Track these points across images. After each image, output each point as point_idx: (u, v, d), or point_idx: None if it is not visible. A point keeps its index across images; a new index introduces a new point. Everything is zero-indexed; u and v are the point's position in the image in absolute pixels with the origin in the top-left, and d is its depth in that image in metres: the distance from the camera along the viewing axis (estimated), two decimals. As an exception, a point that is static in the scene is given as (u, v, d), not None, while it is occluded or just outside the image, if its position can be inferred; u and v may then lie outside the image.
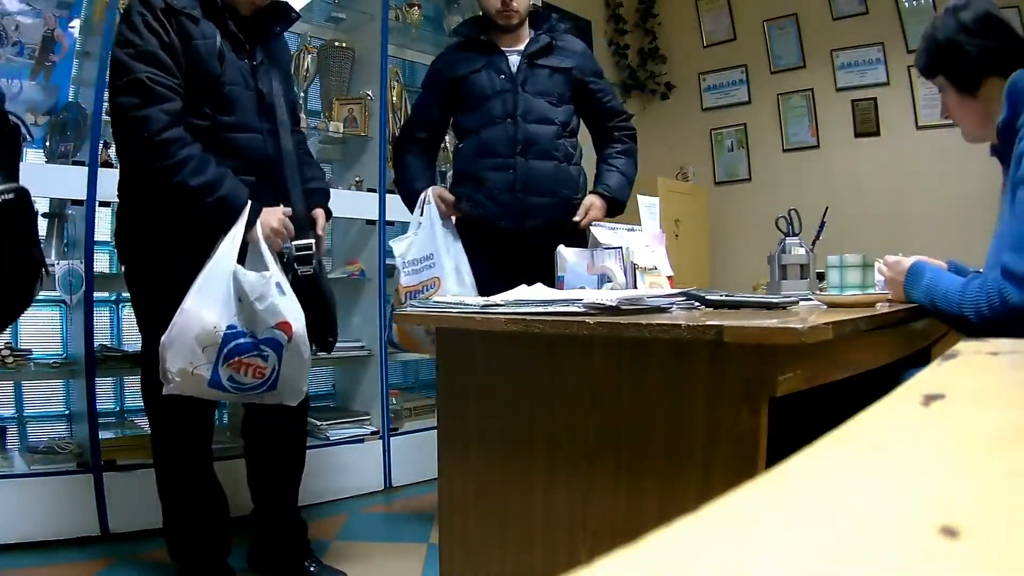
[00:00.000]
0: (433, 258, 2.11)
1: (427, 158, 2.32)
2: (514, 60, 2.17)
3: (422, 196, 2.18)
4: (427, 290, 2.06)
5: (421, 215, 2.16)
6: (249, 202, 1.67)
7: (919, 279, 1.40)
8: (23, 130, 1.60)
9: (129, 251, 1.78)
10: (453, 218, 2.18)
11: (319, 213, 1.88)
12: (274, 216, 1.71)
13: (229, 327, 1.60)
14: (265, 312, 1.61)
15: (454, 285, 2.04)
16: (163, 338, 1.58)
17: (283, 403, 1.72)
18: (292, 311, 1.65)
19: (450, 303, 1.29)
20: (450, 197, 2.17)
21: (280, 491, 1.92)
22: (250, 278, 1.63)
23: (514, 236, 2.12)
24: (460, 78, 2.19)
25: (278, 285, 1.65)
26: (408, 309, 1.37)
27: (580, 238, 2.07)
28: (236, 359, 1.60)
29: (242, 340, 1.60)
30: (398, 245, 2.18)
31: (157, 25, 1.61)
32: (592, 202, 2.16)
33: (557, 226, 2.09)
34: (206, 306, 1.59)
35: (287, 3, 1.88)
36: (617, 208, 2.21)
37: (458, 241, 2.15)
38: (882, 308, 1.35)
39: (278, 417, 1.87)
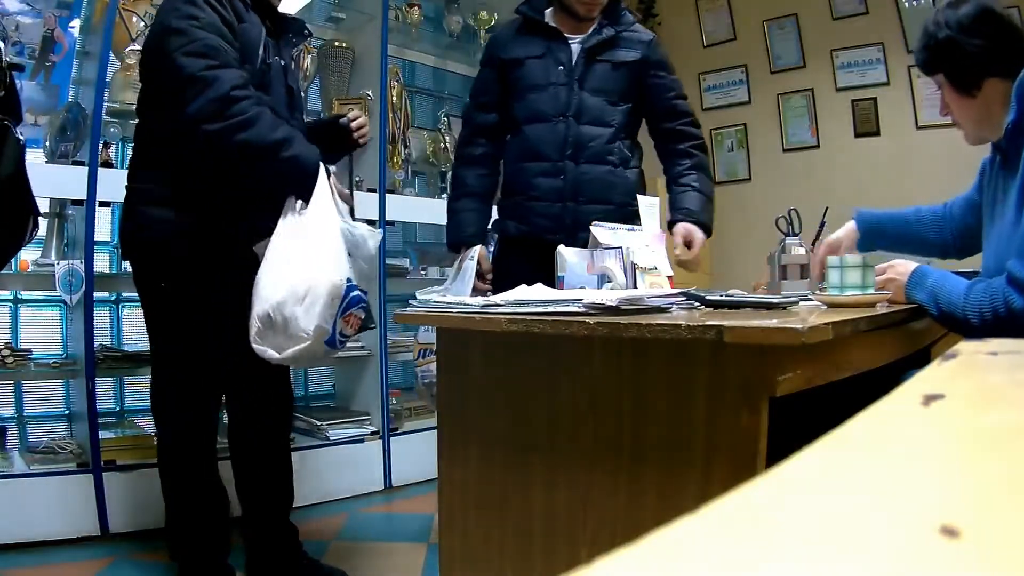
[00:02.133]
0: None
1: (486, 182, 2.07)
2: (576, 50, 1.95)
3: (465, 252, 1.96)
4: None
5: (459, 269, 1.96)
6: (321, 164, 1.66)
7: (924, 280, 1.40)
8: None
9: (137, 247, 1.76)
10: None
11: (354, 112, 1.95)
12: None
13: (348, 280, 1.62)
14: (364, 265, 1.70)
15: None
16: (280, 299, 1.56)
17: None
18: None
19: (450, 303, 1.29)
20: (488, 266, 1.99)
21: (267, 500, 1.91)
22: (362, 231, 1.70)
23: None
24: (515, 61, 1.98)
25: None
26: (408, 309, 1.37)
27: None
28: (349, 312, 1.62)
29: (355, 293, 1.63)
30: (422, 296, 2.01)
31: (216, 2, 1.63)
32: (690, 232, 1.87)
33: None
34: (331, 263, 1.60)
35: (303, 22, 1.95)
36: (707, 231, 1.92)
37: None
38: (882, 308, 1.34)
39: (260, 427, 1.88)
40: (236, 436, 1.91)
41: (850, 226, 1.78)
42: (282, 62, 1.81)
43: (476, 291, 1.94)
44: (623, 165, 1.96)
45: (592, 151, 1.92)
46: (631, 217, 1.83)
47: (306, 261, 1.59)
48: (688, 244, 1.87)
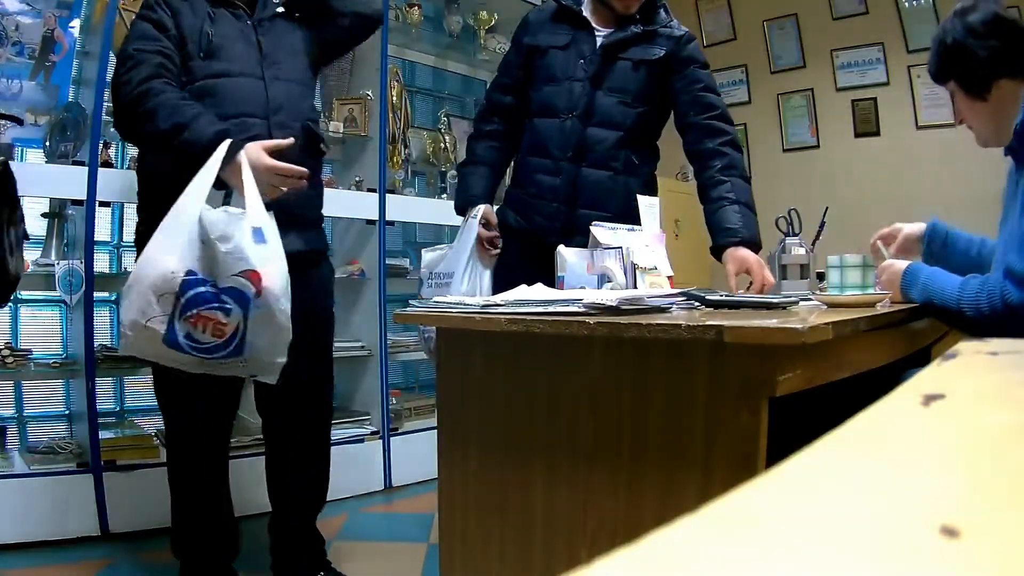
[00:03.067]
0: (452, 278, 1.90)
1: (496, 154, 2.02)
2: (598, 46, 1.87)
3: (471, 211, 1.93)
4: None
5: (463, 229, 1.94)
6: (227, 141, 1.54)
7: (915, 279, 1.40)
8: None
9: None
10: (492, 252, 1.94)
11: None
12: (262, 155, 1.57)
13: (189, 272, 1.41)
14: (228, 255, 1.42)
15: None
16: (125, 287, 1.45)
17: (257, 378, 1.58)
18: (266, 261, 1.45)
19: (450, 303, 1.29)
20: (494, 220, 1.94)
21: (298, 503, 1.91)
22: (211, 215, 1.45)
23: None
24: (539, 49, 1.91)
25: (256, 231, 1.46)
26: (408, 309, 1.37)
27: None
28: (195, 312, 1.41)
29: (202, 289, 1.41)
30: (428, 255, 2.02)
31: (148, 11, 1.72)
32: (743, 261, 1.70)
33: None
34: (166, 250, 1.43)
35: None
36: (755, 247, 1.75)
37: (485, 270, 1.93)
38: (882, 308, 1.35)
39: (298, 429, 1.88)
40: (272, 435, 1.91)
41: (919, 226, 1.71)
42: (247, 21, 1.80)
43: (482, 258, 1.92)
44: (627, 172, 1.87)
45: (596, 154, 1.84)
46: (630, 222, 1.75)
47: (147, 249, 1.44)
48: (746, 271, 1.70)
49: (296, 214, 1.76)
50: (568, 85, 1.85)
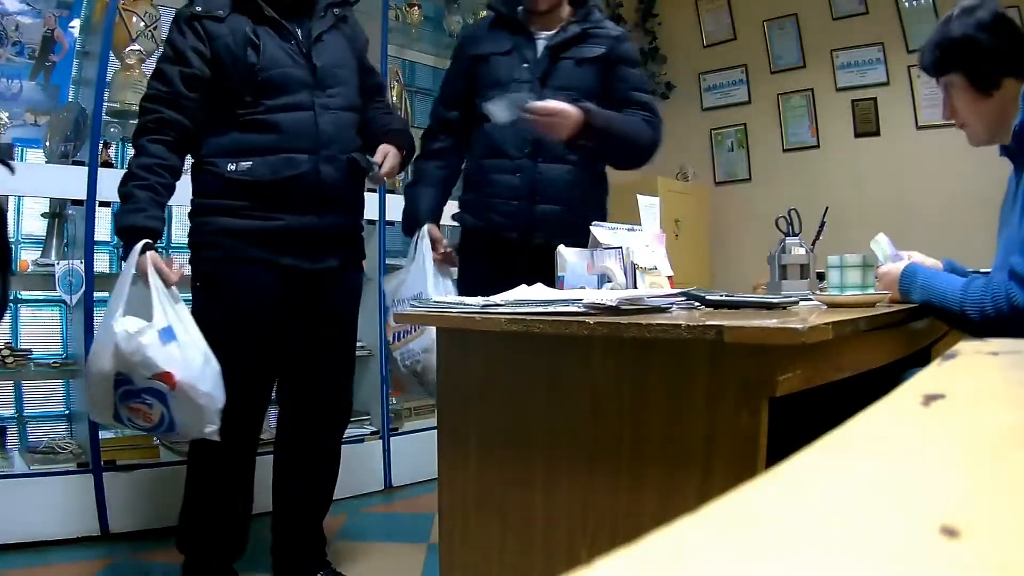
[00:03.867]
0: (422, 297, 1.88)
1: (443, 173, 2.08)
2: (542, 47, 1.94)
3: (418, 231, 1.99)
4: (414, 330, 1.92)
5: (415, 251, 1.98)
6: (142, 241, 1.62)
7: (913, 281, 1.40)
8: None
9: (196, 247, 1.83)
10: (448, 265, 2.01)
11: (383, 148, 1.86)
12: (159, 262, 1.64)
13: (118, 374, 1.57)
14: (139, 364, 1.55)
15: None
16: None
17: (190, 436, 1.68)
18: (176, 360, 1.56)
19: (450, 303, 1.29)
20: (441, 238, 2.00)
21: (303, 505, 1.92)
22: (121, 329, 1.56)
23: (521, 249, 1.90)
24: (482, 57, 1.97)
25: (163, 331, 1.58)
26: (408, 309, 1.37)
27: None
28: (128, 404, 1.59)
29: (128, 387, 1.57)
30: (388, 283, 2.05)
31: (177, 35, 1.71)
32: (566, 108, 1.75)
33: (570, 240, 1.85)
34: (102, 352, 1.57)
35: None
36: (590, 132, 1.79)
37: (448, 280, 1.99)
38: (882, 308, 1.35)
39: (309, 431, 1.89)
40: (283, 437, 1.92)
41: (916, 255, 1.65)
42: (298, 40, 1.77)
43: (442, 272, 1.98)
44: (582, 165, 1.93)
45: (553, 150, 1.88)
46: (587, 218, 1.81)
47: (92, 347, 1.65)
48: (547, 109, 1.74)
49: (338, 240, 1.86)
50: (516, 87, 1.90)
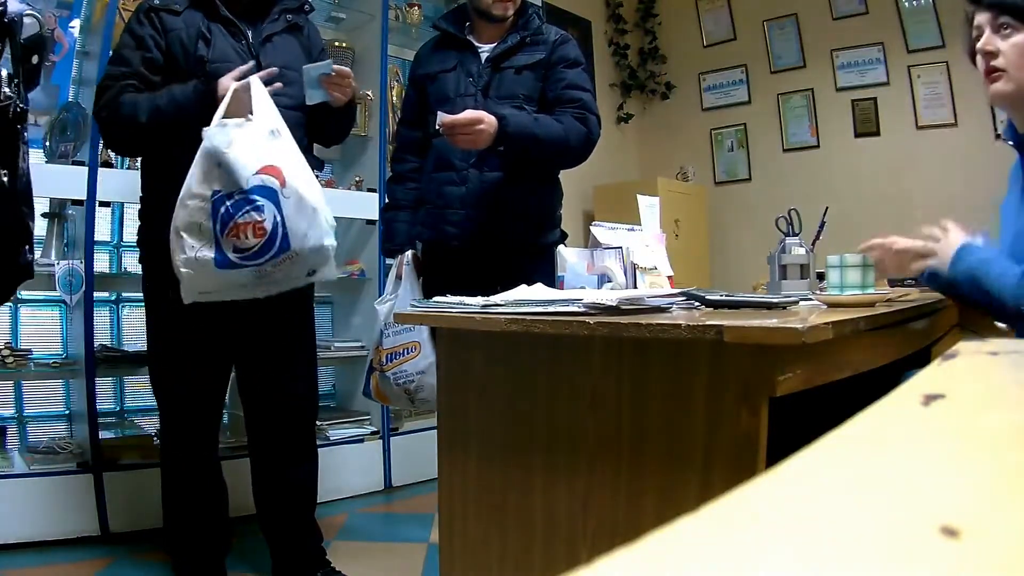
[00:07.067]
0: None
1: (414, 194, 2.10)
2: (484, 59, 2.00)
3: (399, 257, 2.07)
4: (407, 353, 1.95)
5: (398, 277, 2.06)
6: (193, 85, 1.66)
7: (967, 256, 1.36)
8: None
9: (148, 248, 1.81)
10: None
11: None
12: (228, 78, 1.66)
13: (215, 192, 1.49)
14: (241, 156, 1.47)
15: (431, 351, 1.92)
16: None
17: (316, 272, 1.61)
18: (282, 154, 1.52)
19: (450, 303, 1.29)
20: (418, 266, 2.07)
21: (284, 501, 1.91)
22: (215, 136, 1.51)
23: (476, 257, 1.95)
24: (430, 76, 2.04)
25: (272, 131, 1.55)
26: (408, 309, 1.37)
27: (541, 258, 1.91)
28: (232, 224, 1.47)
29: (231, 201, 1.48)
30: (381, 308, 2.09)
31: (136, 24, 1.76)
32: (481, 117, 1.77)
33: (518, 245, 1.96)
34: (194, 186, 1.51)
35: None
36: (506, 140, 1.81)
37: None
38: (882, 308, 1.34)
39: (279, 425, 1.88)
40: (254, 438, 1.91)
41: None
42: (249, 40, 1.80)
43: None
44: (529, 171, 1.95)
45: (497, 158, 1.91)
46: (536, 229, 1.95)
47: (180, 196, 1.55)
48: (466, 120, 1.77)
49: None
50: (462, 101, 1.94)
